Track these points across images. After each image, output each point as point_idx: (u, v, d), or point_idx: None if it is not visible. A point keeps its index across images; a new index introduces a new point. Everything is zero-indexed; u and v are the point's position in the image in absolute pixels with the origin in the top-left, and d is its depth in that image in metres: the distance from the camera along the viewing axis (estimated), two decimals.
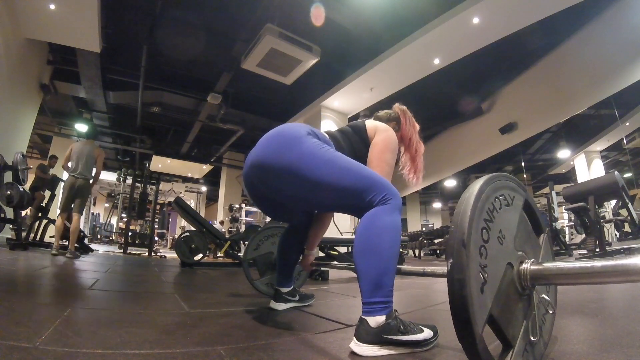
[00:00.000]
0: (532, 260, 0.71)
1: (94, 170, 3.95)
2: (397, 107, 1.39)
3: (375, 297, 0.86)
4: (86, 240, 5.70)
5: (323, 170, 0.96)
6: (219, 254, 4.92)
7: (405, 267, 1.03)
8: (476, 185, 0.66)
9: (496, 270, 0.65)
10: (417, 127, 1.37)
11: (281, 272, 1.44)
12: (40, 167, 5.20)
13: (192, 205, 12.56)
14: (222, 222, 9.41)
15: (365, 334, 0.83)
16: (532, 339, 0.69)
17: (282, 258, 1.44)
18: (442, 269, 0.81)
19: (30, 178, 4.84)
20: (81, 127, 8.18)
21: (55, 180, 5.14)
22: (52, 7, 4.30)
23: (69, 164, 3.83)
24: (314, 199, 1.06)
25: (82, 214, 3.93)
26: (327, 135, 1.17)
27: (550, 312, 0.77)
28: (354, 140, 1.22)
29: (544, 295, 0.75)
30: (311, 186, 0.98)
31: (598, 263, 0.58)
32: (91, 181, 3.90)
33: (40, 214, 4.77)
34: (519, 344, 0.66)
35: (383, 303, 0.86)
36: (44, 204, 4.86)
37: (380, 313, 0.85)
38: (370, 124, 1.25)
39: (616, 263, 0.56)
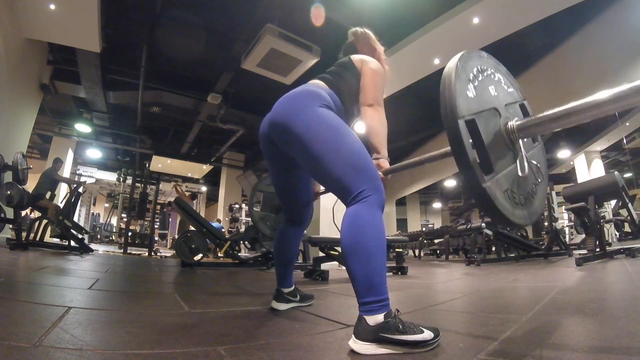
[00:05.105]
0: (515, 118, 0.90)
1: None
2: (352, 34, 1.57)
3: (368, 297, 0.87)
4: (86, 240, 5.71)
5: (322, 145, 1.00)
6: (219, 254, 4.92)
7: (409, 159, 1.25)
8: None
9: (484, 96, 0.88)
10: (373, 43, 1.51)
11: (280, 272, 1.44)
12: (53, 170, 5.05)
13: (193, 205, 12.53)
14: (219, 220, 9.41)
15: (364, 332, 0.84)
16: (520, 181, 0.86)
17: (280, 257, 1.44)
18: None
19: (32, 178, 4.82)
20: (81, 127, 8.19)
21: (55, 181, 5.13)
22: (52, 7, 4.29)
23: None
24: (312, 170, 1.09)
25: None
26: (333, 93, 1.22)
27: (540, 180, 0.92)
28: (347, 78, 1.27)
29: (534, 161, 0.92)
30: (310, 157, 1.03)
31: (570, 104, 0.72)
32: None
33: (40, 214, 4.77)
34: (501, 174, 0.82)
35: (378, 302, 0.86)
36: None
37: (378, 312, 0.85)
38: (356, 57, 1.33)
39: (586, 100, 0.69)
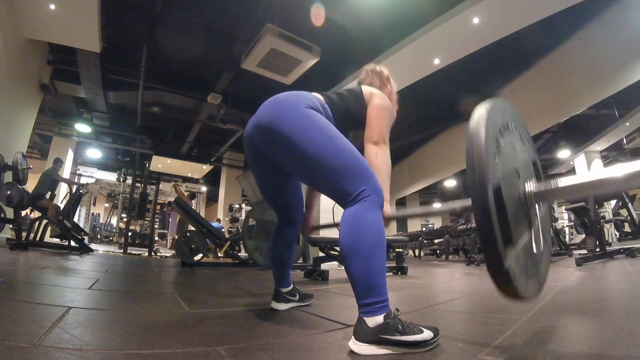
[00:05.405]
0: (533, 179, 0.87)
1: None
2: (368, 73, 1.47)
3: (368, 298, 0.86)
4: (86, 241, 5.71)
5: (315, 147, 0.97)
6: (219, 254, 4.92)
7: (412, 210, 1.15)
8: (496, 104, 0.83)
9: (508, 160, 0.80)
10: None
11: (278, 273, 1.44)
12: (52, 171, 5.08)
13: (192, 205, 12.52)
14: (219, 220, 9.41)
15: (363, 333, 0.84)
16: (534, 251, 0.82)
17: (276, 258, 1.44)
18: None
19: (33, 178, 4.82)
20: (81, 127, 8.19)
21: (55, 181, 5.13)
22: (52, 7, 4.29)
23: None
24: (303, 173, 1.06)
25: None
26: (327, 106, 1.18)
27: (546, 253, 0.93)
28: (350, 101, 1.24)
29: (549, 235, 0.96)
30: (301, 160, 0.99)
31: (588, 178, 0.71)
32: None
33: (40, 214, 4.77)
34: (520, 246, 0.76)
35: (378, 303, 0.86)
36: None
37: (377, 313, 0.85)
38: (367, 89, 1.29)
39: (603, 176, 0.69)
